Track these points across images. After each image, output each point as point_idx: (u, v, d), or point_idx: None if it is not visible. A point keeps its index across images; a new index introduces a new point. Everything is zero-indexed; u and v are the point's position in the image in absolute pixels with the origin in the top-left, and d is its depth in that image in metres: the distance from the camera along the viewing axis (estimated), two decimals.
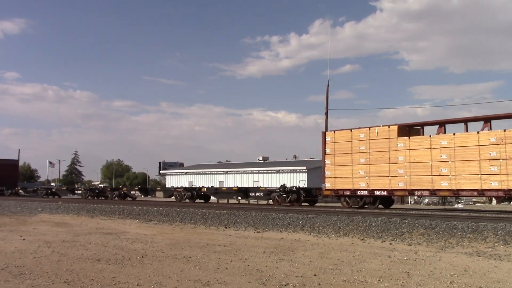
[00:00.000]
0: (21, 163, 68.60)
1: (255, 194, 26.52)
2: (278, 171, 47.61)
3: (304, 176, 45.06)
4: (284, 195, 23.78)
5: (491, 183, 17.39)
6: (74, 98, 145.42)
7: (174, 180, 56.17)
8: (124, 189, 36.42)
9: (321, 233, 12.96)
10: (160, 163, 74.35)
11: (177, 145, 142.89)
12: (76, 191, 41.64)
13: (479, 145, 17.78)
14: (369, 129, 21.04)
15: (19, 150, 56.92)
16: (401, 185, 19.77)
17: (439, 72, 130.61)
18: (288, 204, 23.33)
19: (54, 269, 7.34)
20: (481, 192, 18.14)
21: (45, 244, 10.55)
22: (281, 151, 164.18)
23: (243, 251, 9.42)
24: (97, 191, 37.46)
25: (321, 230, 13.27)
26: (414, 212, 18.18)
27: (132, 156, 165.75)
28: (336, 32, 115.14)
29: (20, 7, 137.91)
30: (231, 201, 31.18)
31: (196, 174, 55.22)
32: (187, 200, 28.47)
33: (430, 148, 19.04)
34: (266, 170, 48.68)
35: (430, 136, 19.52)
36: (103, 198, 35.28)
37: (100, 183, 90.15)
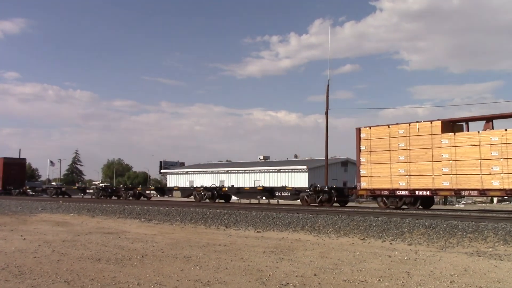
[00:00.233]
0: None
1: (281, 194, 25.54)
2: (279, 171, 47.60)
3: (305, 176, 45.13)
4: (314, 195, 22.84)
5: None
6: (74, 98, 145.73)
7: (175, 180, 56.17)
8: (139, 188, 34.87)
9: (321, 232, 12.96)
10: (160, 162, 74.40)
11: (177, 144, 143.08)
12: (87, 191, 39.96)
13: None
14: (409, 125, 19.93)
15: (19, 149, 56.91)
16: (445, 184, 18.62)
17: (439, 72, 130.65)
18: (318, 204, 22.40)
19: (54, 269, 7.35)
20: None
21: (45, 243, 10.56)
22: (282, 150, 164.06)
23: (243, 251, 9.42)
24: (109, 190, 36.09)
25: (321, 230, 13.27)
26: (413, 212, 18.15)
27: (133, 155, 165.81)
28: (336, 32, 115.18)
29: (20, 7, 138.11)
30: (253, 201, 29.99)
31: (196, 173, 55.23)
32: (207, 200, 27.45)
33: (479, 145, 17.83)
34: (267, 170, 48.67)
35: (478, 132, 18.22)
36: (115, 197, 34.14)
37: (101, 183, 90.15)
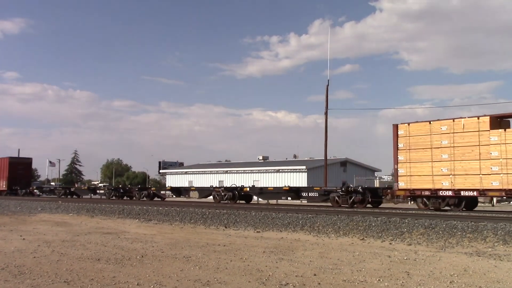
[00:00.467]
0: None
1: (308, 194, 24.34)
2: (278, 171, 47.65)
3: (304, 176, 45.17)
4: (346, 195, 21.94)
5: None
6: (74, 98, 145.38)
7: (174, 180, 56.17)
8: (153, 188, 33.57)
9: (321, 232, 12.97)
10: (160, 162, 74.33)
11: (177, 145, 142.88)
12: (98, 191, 38.70)
13: None
14: (453, 121, 18.72)
15: (18, 149, 56.81)
16: (495, 184, 17.38)
17: (439, 72, 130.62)
18: (349, 206, 21.35)
19: (54, 269, 7.35)
20: None
21: (45, 243, 10.55)
22: (281, 150, 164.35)
23: (243, 251, 9.42)
24: (122, 190, 34.48)
25: (321, 230, 13.28)
26: (413, 212, 18.15)
27: (132, 155, 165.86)
28: (336, 32, 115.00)
29: (20, 7, 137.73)
30: (280, 201, 28.08)
31: (196, 173, 55.26)
32: (227, 201, 26.13)
33: None
34: (266, 170, 48.71)
35: None
36: (128, 198, 32.92)
37: (100, 183, 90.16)
